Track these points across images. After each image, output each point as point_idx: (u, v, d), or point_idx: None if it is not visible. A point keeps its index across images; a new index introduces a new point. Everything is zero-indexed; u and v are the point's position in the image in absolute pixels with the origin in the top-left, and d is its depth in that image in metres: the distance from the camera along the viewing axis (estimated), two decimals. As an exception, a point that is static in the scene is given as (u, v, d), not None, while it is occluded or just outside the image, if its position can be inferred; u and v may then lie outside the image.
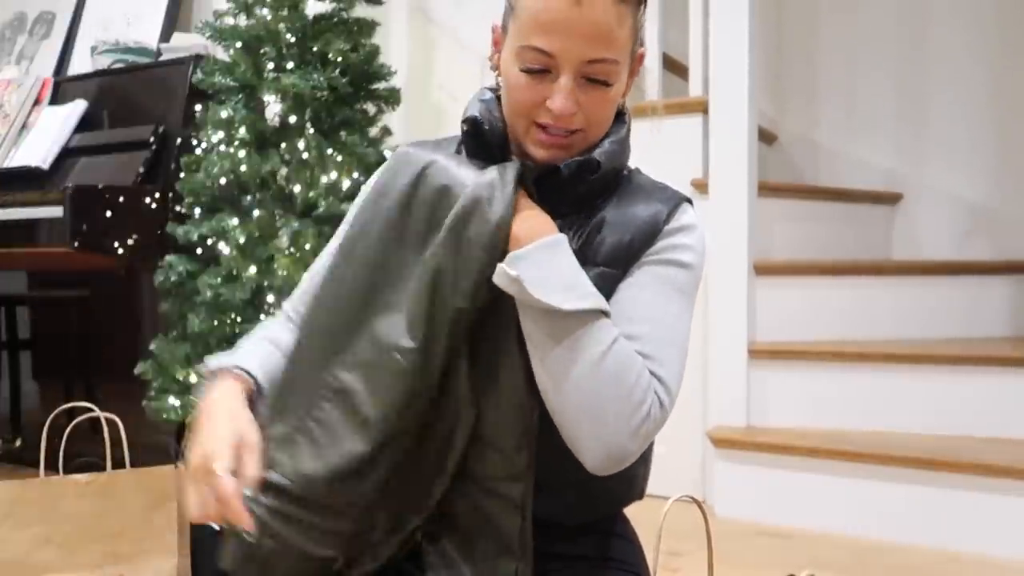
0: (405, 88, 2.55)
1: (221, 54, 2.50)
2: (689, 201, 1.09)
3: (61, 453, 1.66)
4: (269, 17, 2.36)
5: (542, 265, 0.96)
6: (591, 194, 1.06)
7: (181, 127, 2.68)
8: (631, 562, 1.12)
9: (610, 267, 1.03)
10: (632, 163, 1.14)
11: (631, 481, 1.07)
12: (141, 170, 2.65)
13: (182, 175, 2.46)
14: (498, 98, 1.09)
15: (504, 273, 0.94)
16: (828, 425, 2.59)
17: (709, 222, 2.71)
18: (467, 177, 1.02)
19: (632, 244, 1.03)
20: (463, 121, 1.08)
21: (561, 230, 1.01)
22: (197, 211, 2.41)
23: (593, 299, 0.96)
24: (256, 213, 2.32)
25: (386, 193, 1.07)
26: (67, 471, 1.62)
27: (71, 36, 3.42)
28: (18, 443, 3.23)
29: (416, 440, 0.99)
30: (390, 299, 1.01)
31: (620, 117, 1.11)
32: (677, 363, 1.01)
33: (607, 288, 1.02)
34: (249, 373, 1.03)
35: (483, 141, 1.06)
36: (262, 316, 2.29)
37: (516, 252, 0.95)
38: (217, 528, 0.96)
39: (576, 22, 0.97)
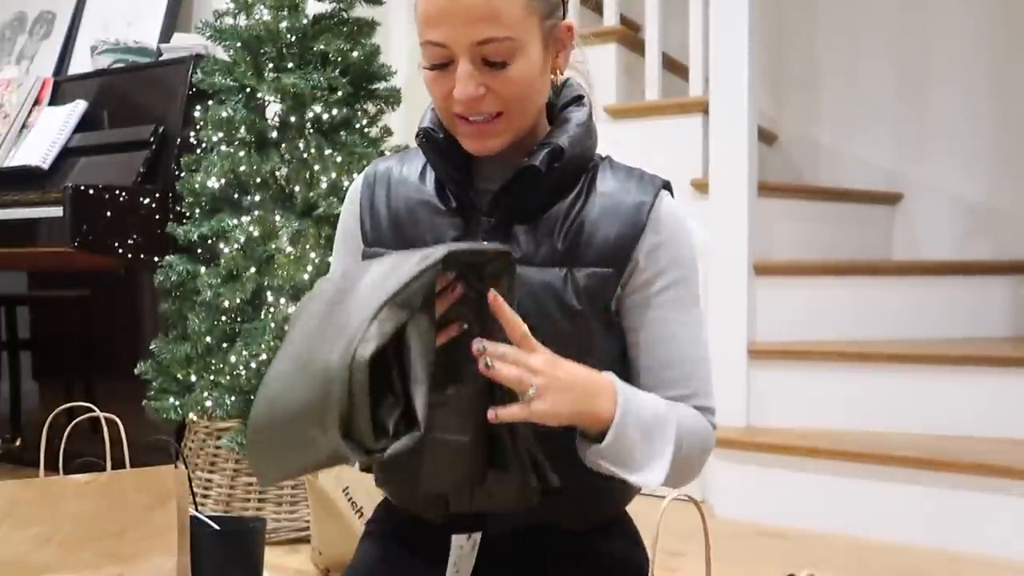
0: (405, 88, 2.55)
1: (221, 54, 2.49)
2: (667, 185, 1.10)
3: (61, 453, 1.66)
4: (269, 17, 2.36)
5: (623, 450, 0.97)
6: (563, 184, 1.06)
7: (181, 127, 2.67)
8: (636, 563, 1.12)
9: (600, 267, 1.04)
10: (630, 162, 1.13)
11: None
12: (141, 170, 2.65)
13: (182, 175, 2.46)
14: None
15: (595, 463, 0.98)
16: (828, 425, 2.59)
17: (709, 222, 2.71)
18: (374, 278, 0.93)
19: (619, 240, 1.05)
20: (416, 136, 1.11)
21: (543, 233, 1.04)
22: (197, 211, 2.41)
23: (670, 435, 1.00)
24: (256, 213, 2.32)
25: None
26: (67, 471, 1.62)
27: (71, 36, 3.42)
28: (18, 443, 3.22)
29: None
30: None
31: (579, 100, 1.11)
32: (710, 376, 1.09)
33: (599, 286, 1.04)
34: None
35: (439, 148, 1.09)
36: (262, 316, 2.29)
37: (597, 449, 0.96)
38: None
39: (455, 7, 0.98)
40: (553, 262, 1.04)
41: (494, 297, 0.92)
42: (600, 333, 1.06)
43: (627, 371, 1.08)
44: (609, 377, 0.99)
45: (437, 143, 1.09)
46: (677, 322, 1.06)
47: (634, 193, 1.07)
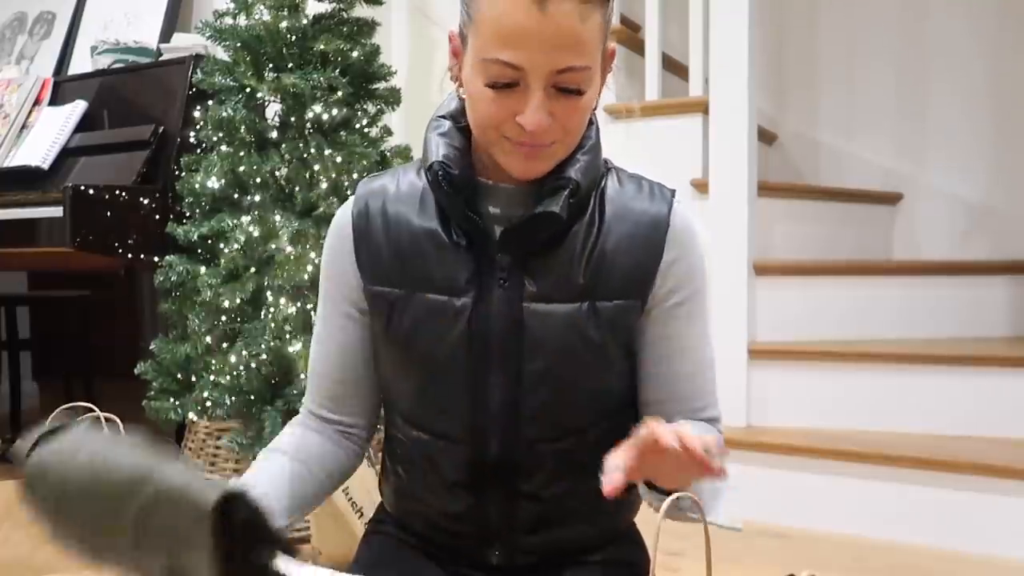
0: (405, 88, 2.55)
1: (221, 54, 2.49)
2: (673, 193, 1.07)
3: (61, 453, 1.66)
4: (269, 17, 2.36)
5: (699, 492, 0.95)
6: (575, 210, 1.02)
7: (181, 127, 2.67)
8: (637, 563, 1.12)
9: (624, 298, 1.02)
10: (630, 163, 1.13)
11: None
12: (141, 170, 2.65)
13: (182, 175, 2.46)
14: (454, 120, 1.05)
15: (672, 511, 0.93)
16: (828, 425, 2.58)
17: (709, 222, 2.70)
18: None
19: (640, 268, 1.02)
20: (428, 169, 1.02)
21: (562, 268, 1.00)
22: (197, 211, 2.41)
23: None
24: (256, 213, 2.32)
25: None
26: (67, 471, 1.62)
27: (71, 36, 3.42)
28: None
29: None
30: None
31: None
32: (715, 384, 1.08)
33: (623, 318, 1.02)
34: None
35: (453, 184, 1.01)
36: (262, 316, 2.29)
37: (674, 496, 0.92)
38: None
39: (541, 30, 0.90)
40: (574, 297, 1.01)
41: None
42: (620, 359, 1.04)
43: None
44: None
45: (452, 180, 1.00)
46: (688, 335, 1.05)
47: (649, 213, 1.04)
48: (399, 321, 1.03)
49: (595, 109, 1.03)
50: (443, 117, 1.07)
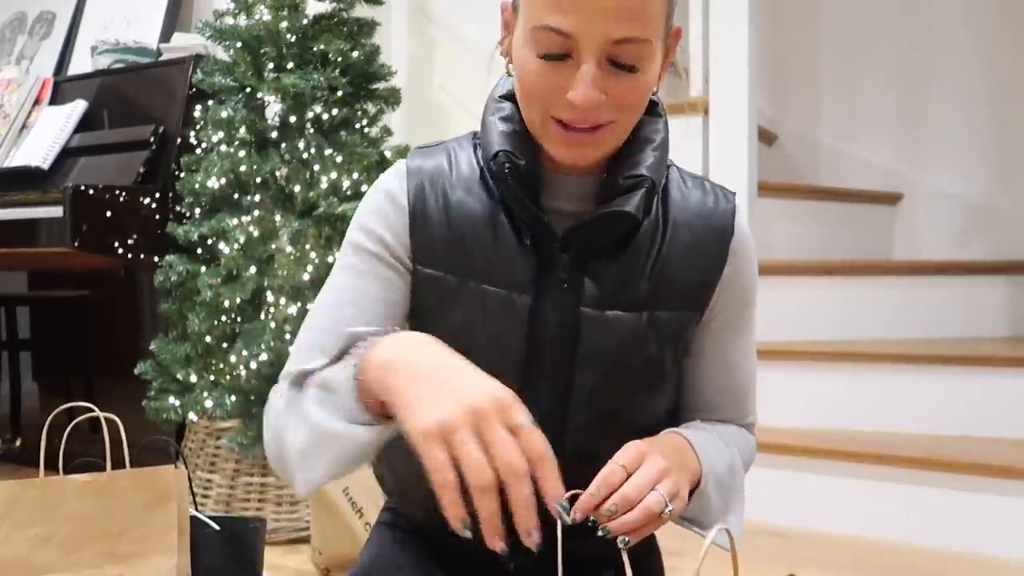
0: (405, 88, 2.55)
1: (221, 54, 2.49)
2: (735, 196, 1.03)
3: (61, 453, 1.66)
4: (269, 17, 2.36)
5: (705, 507, 0.93)
6: (643, 213, 0.94)
7: (181, 127, 2.67)
8: (651, 566, 1.12)
9: (682, 310, 0.97)
10: None
11: None
12: (141, 170, 2.65)
13: (182, 175, 2.46)
14: (513, 102, 0.95)
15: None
16: (827, 425, 2.59)
17: (709, 222, 2.70)
18: None
19: (702, 280, 0.97)
20: (492, 159, 0.92)
21: (627, 273, 0.94)
22: (197, 211, 2.41)
23: (740, 485, 0.98)
24: (256, 213, 2.32)
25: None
26: (67, 471, 1.62)
27: (71, 36, 3.42)
28: (18, 443, 3.22)
29: None
30: None
31: (653, 108, 0.97)
32: (755, 393, 1.06)
33: (680, 329, 0.97)
34: None
35: (519, 177, 0.92)
36: (262, 316, 2.29)
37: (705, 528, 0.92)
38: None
39: None
40: (637, 306, 0.94)
41: None
42: (672, 373, 1.00)
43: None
44: (681, 433, 0.94)
45: (519, 171, 0.91)
46: (735, 348, 1.02)
47: (714, 222, 0.98)
48: (451, 311, 0.93)
49: (656, 93, 0.95)
50: (504, 98, 0.97)
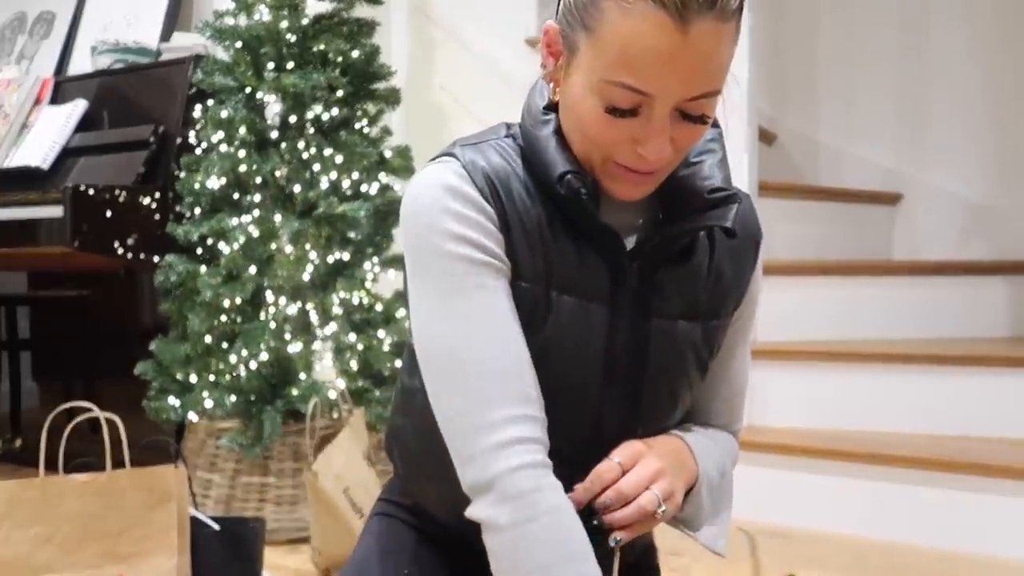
0: (405, 88, 2.55)
1: (221, 54, 2.49)
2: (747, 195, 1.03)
3: (61, 453, 1.66)
4: (269, 17, 2.36)
5: (697, 510, 0.97)
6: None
7: (181, 127, 2.68)
8: (652, 565, 1.12)
9: (728, 316, 0.99)
10: None
11: None
12: (141, 170, 2.66)
13: (182, 175, 2.46)
14: (555, 110, 0.92)
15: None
16: (827, 425, 2.59)
17: (709, 222, 2.70)
18: None
19: (741, 289, 0.99)
20: (559, 181, 0.88)
21: (689, 284, 0.95)
22: (197, 211, 2.41)
23: (729, 491, 1.05)
24: (256, 213, 2.32)
25: None
26: (67, 471, 1.62)
27: (71, 36, 3.42)
28: (18, 443, 3.23)
29: None
30: None
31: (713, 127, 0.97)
32: (744, 400, 1.08)
33: (722, 333, 0.99)
34: None
35: (590, 194, 0.89)
36: (262, 316, 2.29)
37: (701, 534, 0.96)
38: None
39: (680, 56, 0.79)
40: (697, 316, 0.95)
41: None
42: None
43: None
44: (680, 436, 0.97)
45: (589, 189, 0.88)
46: (735, 355, 1.03)
47: (747, 223, 0.98)
48: (541, 323, 0.90)
49: (718, 125, 0.97)
50: (549, 109, 0.92)
